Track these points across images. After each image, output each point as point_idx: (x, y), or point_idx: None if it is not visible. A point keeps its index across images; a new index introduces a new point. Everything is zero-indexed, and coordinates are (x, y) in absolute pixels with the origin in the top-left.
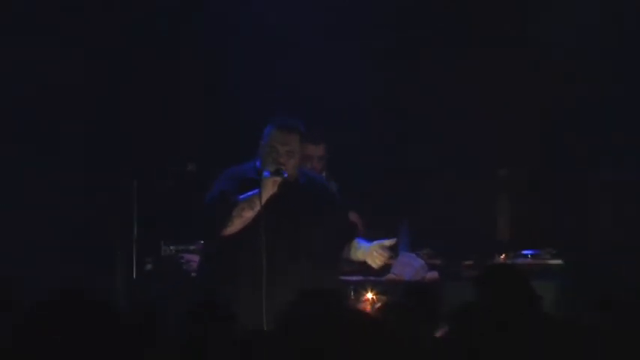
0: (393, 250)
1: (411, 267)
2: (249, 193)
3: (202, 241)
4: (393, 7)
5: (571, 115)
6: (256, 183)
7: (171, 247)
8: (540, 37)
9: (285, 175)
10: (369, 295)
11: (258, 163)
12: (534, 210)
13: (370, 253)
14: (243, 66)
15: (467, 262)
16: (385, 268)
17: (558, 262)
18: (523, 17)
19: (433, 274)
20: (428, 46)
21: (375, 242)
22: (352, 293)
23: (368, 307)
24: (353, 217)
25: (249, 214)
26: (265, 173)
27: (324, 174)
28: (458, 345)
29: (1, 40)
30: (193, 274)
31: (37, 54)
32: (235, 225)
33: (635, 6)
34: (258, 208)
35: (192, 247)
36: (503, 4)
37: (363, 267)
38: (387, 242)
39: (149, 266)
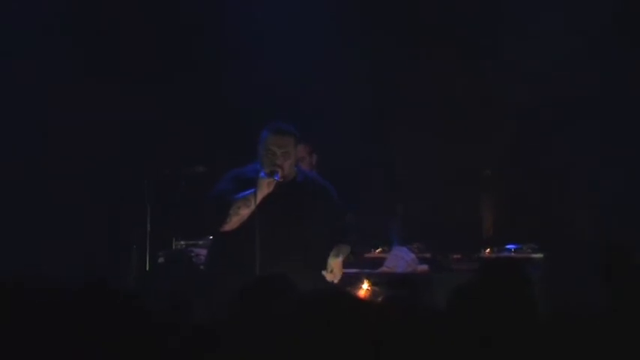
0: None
1: (403, 260)
2: (246, 192)
3: (211, 237)
4: (389, 10)
5: (551, 116)
6: (253, 182)
7: (182, 242)
8: (522, 43)
9: (278, 178)
10: (365, 286)
11: (258, 165)
12: (517, 207)
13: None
14: (249, 74)
15: (455, 256)
16: (379, 262)
17: (539, 255)
18: (506, 25)
19: (423, 267)
20: (417, 49)
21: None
22: (349, 284)
23: (364, 297)
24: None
25: (245, 212)
26: (261, 174)
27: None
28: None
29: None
30: (202, 267)
31: (46, 59)
32: (233, 222)
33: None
34: (253, 206)
35: (200, 242)
36: (491, 12)
37: (359, 260)
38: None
39: (161, 259)
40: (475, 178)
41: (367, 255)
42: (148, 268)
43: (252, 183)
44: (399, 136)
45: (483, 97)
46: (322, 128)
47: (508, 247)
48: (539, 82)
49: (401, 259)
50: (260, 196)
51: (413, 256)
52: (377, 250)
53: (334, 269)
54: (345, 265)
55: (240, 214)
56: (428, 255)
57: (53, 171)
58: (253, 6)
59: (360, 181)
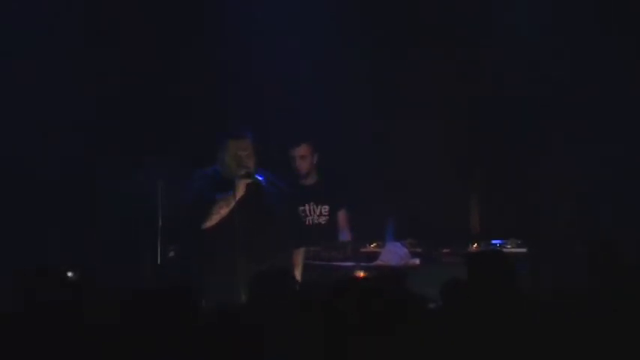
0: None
1: (397, 254)
2: (225, 193)
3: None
4: (389, 10)
5: (534, 118)
6: (226, 184)
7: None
8: (499, 43)
9: (256, 176)
10: None
11: (217, 168)
12: (502, 205)
13: None
14: (249, 74)
15: (445, 250)
16: (374, 256)
17: (522, 250)
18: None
19: (415, 261)
20: (417, 49)
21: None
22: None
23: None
24: (342, 214)
25: (224, 211)
26: (237, 177)
27: (314, 173)
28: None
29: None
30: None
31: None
32: (214, 220)
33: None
34: (232, 205)
35: None
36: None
37: (356, 254)
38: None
39: (172, 254)
40: (465, 176)
41: (363, 249)
42: (159, 262)
43: (224, 184)
44: (398, 135)
45: (478, 96)
46: (322, 128)
47: (493, 242)
48: (532, 80)
49: (394, 254)
50: (238, 196)
51: (406, 250)
52: (372, 245)
53: (297, 262)
54: (338, 258)
55: (221, 214)
56: (420, 249)
57: (59, 170)
58: (253, 6)
59: (358, 180)
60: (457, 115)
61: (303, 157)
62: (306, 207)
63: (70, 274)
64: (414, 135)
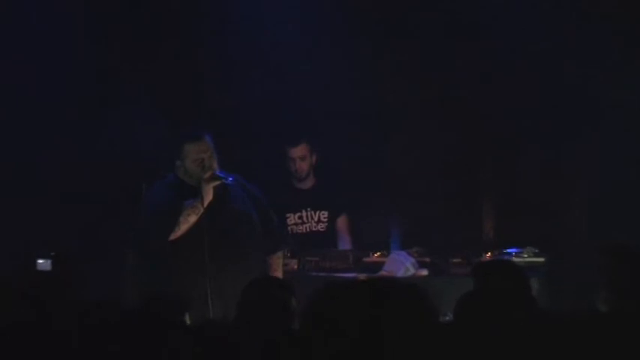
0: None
1: (402, 264)
2: (192, 200)
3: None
4: (389, 11)
5: (551, 118)
6: (190, 190)
7: None
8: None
9: (225, 178)
10: None
11: (173, 176)
12: (517, 211)
13: None
14: (249, 75)
15: (455, 260)
16: (378, 266)
17: (540, 259)
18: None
19: (423, 271)
20: (417, 49)
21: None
22: None
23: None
24: (342, 220)
25: (193, 219)
26: (203, 181)
27: (311, 176)
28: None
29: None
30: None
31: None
32: (182, 229)
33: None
34: (201, 211)
35: None
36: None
37: (358, 264)
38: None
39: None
40: (476, 179)
41: (365, 259)
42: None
43: (188, 190)
44: (400, 137)
45: (484, 97)
46: (322, 128)
47: (509, 250)
48: (535, 79)
49: (400, 263)
50: (206, 201)
51: (412, 260)
52: (375, 254)
53: (275, 267)
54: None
55: (189, 222)
56: (427, 259)
57: (59, 170)
58: (253, 6)
59: (360, 183)
60: (467, 115)
61: (302, 158)
62: (303, 213)
63: (40, 261)
64: (420, 133)
